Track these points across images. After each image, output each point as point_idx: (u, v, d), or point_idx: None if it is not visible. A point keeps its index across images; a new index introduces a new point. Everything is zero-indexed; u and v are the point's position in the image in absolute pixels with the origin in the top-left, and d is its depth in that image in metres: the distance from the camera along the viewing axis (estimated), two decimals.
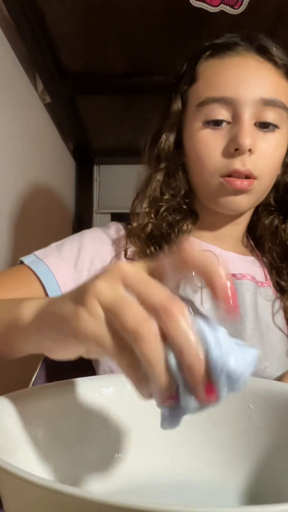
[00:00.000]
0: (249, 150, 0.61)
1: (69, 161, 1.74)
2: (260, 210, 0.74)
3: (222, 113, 0.63)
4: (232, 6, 0.88)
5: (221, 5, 0.88)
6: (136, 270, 0.30)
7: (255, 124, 0.63)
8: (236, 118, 0.62)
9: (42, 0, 0.93)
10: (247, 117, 0.61)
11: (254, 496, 0.39)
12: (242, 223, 0.73)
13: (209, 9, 0.88)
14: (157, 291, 0.28)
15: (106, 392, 0.42)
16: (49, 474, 0.36)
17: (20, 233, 1.11)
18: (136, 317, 0.27)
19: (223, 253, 0.70)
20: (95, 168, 1.89)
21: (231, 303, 0.29)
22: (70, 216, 1.77)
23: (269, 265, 0.73)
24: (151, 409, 0.43)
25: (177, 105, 0.69)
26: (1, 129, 0.99)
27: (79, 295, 0.30)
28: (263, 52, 0.65)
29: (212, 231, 0.72)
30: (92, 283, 0.29)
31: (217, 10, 0.88)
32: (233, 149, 0.62)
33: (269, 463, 0.40)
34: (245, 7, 0.87)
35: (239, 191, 0.64)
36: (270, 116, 0.62)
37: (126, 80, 1.20)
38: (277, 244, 0.72)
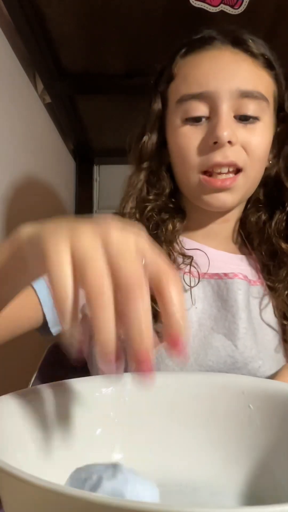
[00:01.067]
0: (229, 142, 0.61)
1: (69, 161, 1.74)
2: (248, 207, 0.73)
3: (201, 109, 0.62)
4: (232, 6, 0.87)
5: (221, 5, 0.87)
6: (120, 241, 0.30)
7: (235, 117, 0.62)
8: (214, 112, 0.62)
9: (42, 0, 0.93)
10: (225, 109, 0.61)
11: (254, 496, 0.39)
12: (231, 220, 0.72)
13: (209, 9, 0.88)
14: (129, 265, 0.29)
15: (106, 392, 0.42)
16: (49, 475, 0.36)
17: None
18: (98, 274, 0.28)
19: (214, 252, 0.70)
20: (95, 168, 1.89)
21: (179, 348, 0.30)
22: (70, 216, 1.77)
23: (259, 262, 0.72)
24: (151, 409, 0.43)
25: (157, 104, 0.69)
26: (1, 129, 0.99)
27: (66, 226, 0.31)
28: (239, 44, 0.64)
29: (202, 230, 0.72)
30: (80, 225, 0.31)
31: (217, 10, 0.88)
32: (212, 142, 0.61)
33: (269, 463, 0.40)
34: (245, 7, 0.87)
35: (220, 189, 0.63)
36: (250, 108, 0.62)
37: (126, 80, 1.20)
38: (264, 241, 0.71)
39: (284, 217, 0.70)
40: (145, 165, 0.70)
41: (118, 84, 1.22)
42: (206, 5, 0.88)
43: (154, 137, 0.70)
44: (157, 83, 0.70)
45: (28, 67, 1.14)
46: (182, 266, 0.66)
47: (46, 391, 0.40)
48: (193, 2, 0.87)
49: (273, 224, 0.70)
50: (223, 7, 0.88)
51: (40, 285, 0.63)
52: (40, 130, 1.30)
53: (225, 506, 0.37)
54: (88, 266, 0.28)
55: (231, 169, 0.63)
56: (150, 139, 0.70)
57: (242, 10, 0.88)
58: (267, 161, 0.68)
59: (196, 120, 0.63)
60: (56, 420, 0.39)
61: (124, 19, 0.98)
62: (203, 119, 0.63)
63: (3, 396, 0.36)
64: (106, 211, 1.87)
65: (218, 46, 0.64)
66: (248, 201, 0.72)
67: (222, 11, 0.88)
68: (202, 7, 0.88)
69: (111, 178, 1.88)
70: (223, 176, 0.63)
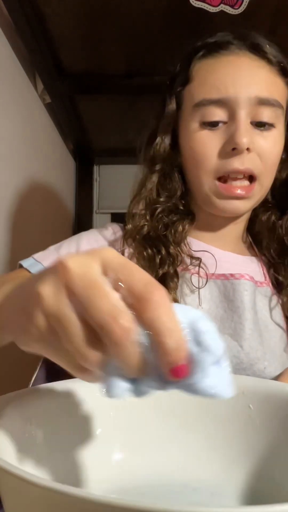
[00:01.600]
0: (247, 149, 0.61)
1: (69, 161, 1.74)
2: (258, 207, 0.73)
3: (219, 114, 0.63)
4: (232, 6, 0.87)
5: (221, 5, 0.87)
6: (79, 272, 0.26)
7: (251, 123, 0.63)
8: (232, 118, 0.62)
9: (42, 0, 0.93)
10: (243, 116, 0.61)
11: (254, 496, 0.39)
12: (241, 222, 0.73)
13: (209, 9, 0.88)
14: (100, 304, 0.25)
15: None
16: (49, 474, 0.36)
17: (20, 233, 1.11)
18: (109, 309, 0.25)
19: (221, 253, 0.70)
20: (95, 168, 1.89)
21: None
22: (70, 216, 1.77)
23: (267, 262, 0.73)
24: (152, 410, 0.43)
25: (172, 106, 0.69)
26: (1, 129, 0.99)
27: (24, 305, 0.29)
28: (257, 50, 0.64)
29: (210, 231, 0.72)
30: (36, 290, 0.27)
31: (217, 10, 0.88)
32: (230, 149, 0.61)
33: (269, 463, 0.40)
34: (245, 7, 0.87)
35: (236, 197, 0.64)
36: (266, 115, 0.62)
37: (126, 80, 1.20)
38: (274, 240, 0.72)
39: None
40: (157, 167, 0.70)
41: (118, 84, 1.22)
42: (206, 5, 0.88)
43: (167, 139, 0.70)
44: (172, 85, 0.69)
45: (28, 67, 1.14)
46: (190, 267, 0.66)
47: (46, 391, 0.40)
48: (193, 2, 0.87)
49: (283, 223, 0.71)
50: (223, 7, 0.88)
51: (33, 266, 0.65)
52: (40, 130, 1.30)
53: (225, 506, 0.37)
54: (61, 329, 0.26)
55: (245, 177, 0.64)
56: (163, 141, 0.70)
57: (242, 10, 0.88)
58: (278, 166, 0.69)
59: (214, 124, 0.63)
60: (56, 420, 0.39)
61: (124, 19, 0.98)
62: (220, 124, 0.63)
63: (3, 396, 0.36)
64: (106, 211, 1.88)
65: (236, 52, 0.64)
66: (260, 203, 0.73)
67: (222, 11, 0.88)
68: (202, 7, 0.88)
69: (111, 178, 1.88)
70: (238, 183, 0.64)
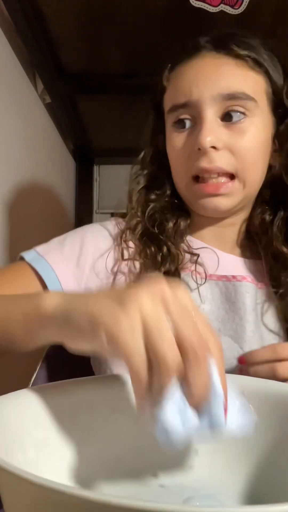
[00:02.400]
0: (214, 147, 0.61)
1: (69, 161, 1.74)
2: (254, 206, 0.72)
3: (187, 117, 0.64)
4: (232, 6, 0.88)
5: (221, 5, 0.87)
6: (175, 296, 0.33)
7: (222, 120, 0.63)
8: (197, 119, 0.63)
9: (42, 0, 0.93)
10: (208, 115, 0.62)
11: (254, 496, 0.39)
12: (237, 224, 0.71)
13: (209, 9, 0.88)
14: (193, 328, 0.32)
15: (106, 392, 0.42)
16: (49, 474, 0.36)
17: (20, 233, 1.11)
18: (169, 345, 0.31)
19: (223, 255, 0.69)
20: (95, 168, 1.89)
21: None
22: (70, 216, 1.77)
23: (266, 264, 0.71)
24: None
25: (153, 116, 0.72)
26: (1, 129, 0.99)
27: (120, 300, 0.32)
28: (221, 48, 0.64)
29: (208, 232, 0.72)
30: (136, 293, 0.32)
31: (217, 10, 0.88)
32: (197, 149, 0.62)
33: (269, 463, 0.40)
34: (245, 7, 0.87)
35: (213, 195, 0.64)
36: (236, 109, 0.62)
37: (126, 80, 1.20)
38: (269, 244, 0.69)
39: (286, 219, 0.69)
40: (145, 171, 0.73)
41: (118, 84, 1.22)
42: (206, 5, 0.88)
43: (151, 148, 0.73)
44: (155, 96, 0.72)
45: (28, 67, 1.14)
46: (190, 265, 0.66)
47: (46, 391, 0.40)
48: (193, 2, 0.87)
49: (274, 226, 0.69)
50: (223, 7, 0.88)
51: (44, 267, 0.64)
52: (40, 130, 1.30)
53: (225, 506, 0.37)
54: (158, 341, 0.31)
55: (221, 175, 0.63)
56: (148, 151, 0.73)
57: (242, 10, 0.88)
58: (266, 161, 0.67)
59: (183, 127, 0.65)
60: (56, 420, 0.39)
61: (124, 19, 0.98)
62: (189, 127, 0.64)
63: (3, 396, 0.36)
64: (106, 211, 1.88)
65: (203, 54, 0.65)
66: (256, 202, 0.71)
67: (222, 11, 0.88)
68: (202, 7, 0.88)
69: (111, 178, 1.88)
70: (213, 181, 0.63)
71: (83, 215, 1.82)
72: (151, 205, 0.70)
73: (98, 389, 0.42)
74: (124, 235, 0.69)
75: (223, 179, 0.63)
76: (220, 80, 0.63)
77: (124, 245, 0.68)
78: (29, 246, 0.68)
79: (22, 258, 0.66)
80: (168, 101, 0.67)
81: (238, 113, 0.62)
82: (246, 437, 0.41)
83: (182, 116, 0.64)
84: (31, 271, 0.64)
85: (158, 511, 0.20)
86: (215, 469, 0.41)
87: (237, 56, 0.64)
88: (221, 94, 0.62)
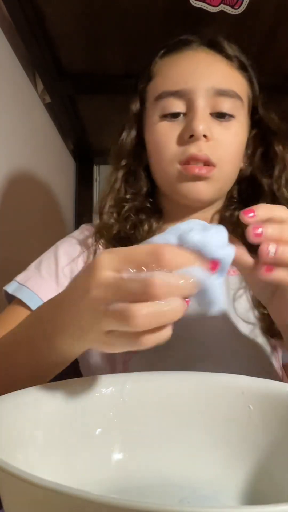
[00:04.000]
0: (205, 136, 0.63)
1: (69, 161, 1.74)
2: (225, 203, 0.74)
3: (178, 106, 0.65)
4: (232, 6, 0.87)
5: (221, 5, 0.87)
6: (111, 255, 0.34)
7: (211, 114, 0.65)
8: (190, 108, 0.64)
9: (42, 0, 0.93)
10: (201, 105, 0.64)
11: (254, 496, 0.39)
12: (208, 219, 0.72)
13: (209, 9, 0.88)
14: (140, 254, 0.33)
15: (106, 392, 0.42)
16: (49, 474, 0.36)
17: (20, 234, 1.11)
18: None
19: None
20: (95, 168, 1.89)
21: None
22: (70, 216, 1.77)
23: None
24: (151, 409, 0.43)
25: (136, 104, 0.72)
26: (1, 129, 0.99)
27: (86, 271, 0.35)
28: (214, 46, 0.68)
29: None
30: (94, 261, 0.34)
31: (217, 10, 0.88)
32: (188, 136, 0.63)
33: (269, 463, 0.40)
34: (245, 7, 0.87)
35: (197, 177, 0.64)
36: (225, 106, 0.65)
37: (126, 80, 1.20)
38: (238, 236, 0.71)
39: None
40: (123, 163, 0.72)
41: (118, 84, 1.22)
42: (206, 5, 0.88)
43: (132, 135, 0.73)
44: (136, 84, 0.73)
45: (28, 67, 1.14)
46: None
47: (46, 391, 0.40)
48: (193, 2, 0.87)
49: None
50: (223, 7, 0.88)
51: (27, 295, 0.65)
52: (40, 130, 1.30)
53: (225, 506, 0.37)
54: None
55: (205, 164, 0.64)
56: (128, 137, 0.73)
57: (242, 10, 0.88)
58: (241, 160, 0.70)
59: (174, 116, 0.65)
60: (56, 420, 0.39)
61: (124, 19, 0.98)
62: (180, 116, 0.65)
63: (3, 396, 0.36)
64: None
65: (195, 48, 0.68)
66: (226, 199, 0.74)
67: (222, 11, 0.88)
68: (202, 7, 0.88)
69: None
70: (198, 165, 0.65)
71: (83, 215, 1.82)
72: (127, 205, 0.70)
73: (98, 389, 0.42)
74: (96, 236, 0.69)
75: (204, 169, 0.65)
76: (213, 74, 0.65)
77: (97, 246, 0.69)
78: (29, 246, 0.68)
79: (5, 292, 0.67)
80: (157, 88, 0.67)
81: (227, 115, 0.65)
82: (246, 437, 0.41)
83: (172, 106, 0.65)
84: (18, 303, 0.65)
85: (158, 511, 0.20)
86: (215, 469, 0.41)
87: (228, 57, 0.68)
88: (215, 88, 0.64)
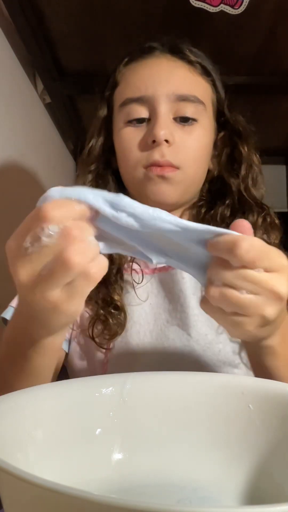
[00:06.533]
0: (167, 141, 0.64)
1: (69, 161, 1.74)
2: (194, 203, 0.74)
3: (142, 112, 0.66)
4: (232, 6, 0.87)
5: (221, 5, 0.87)
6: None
7: (174, 119, 0.66)
8: (152, 113, 0.66)
9: (42, 0, 0.93)
10: (163, 110, 0.65)
11: (254, 496, 0.39)
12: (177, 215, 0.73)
13: (209, 9, 0.88)
14: (25, 222, 0.37)
15: (106, 392, 0.42)
16: (49, 474, 0.36)
17: None
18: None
19: None
20: None
21: None
22: None
23: None
24: (151, 409, 0.43)
25: (103, 110, 0.74)
26: (1, 129, 0.99)
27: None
28: (176, 52, 0.69)
29: None
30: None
31: (217, 10, 0.88)
32: (151, 141, 0.64)
33: (269, 463, 0.40)
34: (245, 7, 0.87)
35: (161, 178, 0.65)
36: (188, 110, 0.66)
37: None
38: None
39: (224, 210, 0.72)
40: (92, 167, 0.73)
41: None
42: (206, 5, 0.88)
43: (100, 141, 0.74)
44: (103, 91, 0.74)
45: (28, 67, 1.14)
46: (130, 264, 0.68)
47: (46, 391, 0.40)
48: (193, 2, 0.87)
49: (209, 217, 0.72)
50: (223, 7, 0.88)
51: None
52: (40, 130, 1.31)
53: (225, 506, 0.37)
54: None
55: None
56: (96, 143, 0.74)
57: (242, 10, 0.88)
58: (208, 161, 0.71)
59: (139, 121, 0.67)
60: (56, 420, 0.39)
61: (124, 19, 0.98)
62: (143, 122, 0.67)
63: (3, 396, 0.36)
64: None
65: (157, 55, 0.69)
66: (196, 202, 0.74)
67: (222, 11, 0.88)
68: (202, 7, 0.88)
69: None
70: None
71: None
72: None
73: (98, 389, 0.42)
74: None
75: (168, 169, 0.66)
76: (174, 80, 0.67)
77: None
78: None
79: (4, 319, 0.67)
80: (121, 95, 0.69)
81: (190, 119, 0.66)
82: (246, 437, 0.41)
83: (136, 112, 0.66)
84: None
85: (158, 511, 0.20)
86: (215, 469, 0.41)
87: (190, 62, 0.69)
88: (175, 94, 0.65)
